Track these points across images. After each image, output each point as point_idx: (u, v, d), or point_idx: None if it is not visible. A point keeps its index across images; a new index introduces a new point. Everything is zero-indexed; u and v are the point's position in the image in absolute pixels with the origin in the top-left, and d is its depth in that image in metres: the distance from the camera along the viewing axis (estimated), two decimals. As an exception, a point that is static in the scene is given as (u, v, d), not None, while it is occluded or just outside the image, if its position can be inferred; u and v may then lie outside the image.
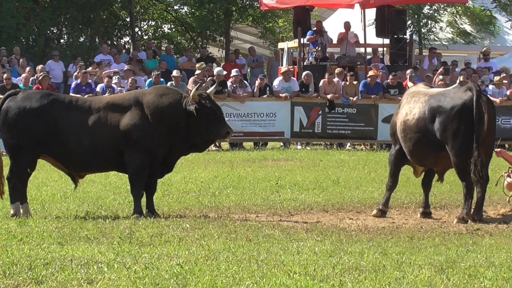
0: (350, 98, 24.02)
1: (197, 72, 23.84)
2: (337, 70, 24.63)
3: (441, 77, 24.11)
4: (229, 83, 23.94)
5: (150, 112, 11.53)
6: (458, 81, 14.22)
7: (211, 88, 12.54)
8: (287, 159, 20.69)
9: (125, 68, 24.85)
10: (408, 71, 23.91)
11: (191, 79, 23.50)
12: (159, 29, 37.05)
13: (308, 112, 23.99)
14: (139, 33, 35.92)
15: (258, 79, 24.60)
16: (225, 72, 24.38)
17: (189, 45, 34.97)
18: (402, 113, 12.00)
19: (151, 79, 23.72)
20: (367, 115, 24.02)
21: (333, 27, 28.09)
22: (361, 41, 26.66)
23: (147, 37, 36.02)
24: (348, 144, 24.18)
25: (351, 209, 12.74)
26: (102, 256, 8.49)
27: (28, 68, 24.28)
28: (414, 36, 28.47)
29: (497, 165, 14.26)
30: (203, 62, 24.83)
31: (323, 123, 24.00)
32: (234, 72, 24.26)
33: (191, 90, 12.05)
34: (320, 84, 24.19)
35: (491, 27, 31.59)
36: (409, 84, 14.87)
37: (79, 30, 32.62)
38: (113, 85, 23.35)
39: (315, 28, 26.07)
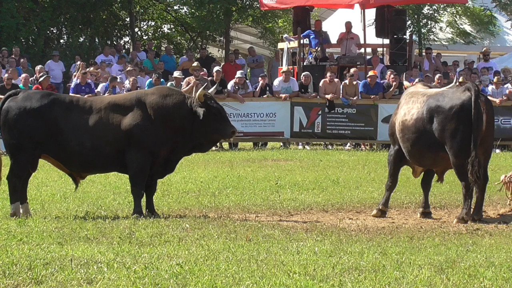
0: (350, 98, 24.02)
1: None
2: (352, 70, 24.59)
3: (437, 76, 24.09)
4: (231, 84, 23.93)
5: (154, 113, 11.52)
6: (455, 81, 14.17)
7: (212, 88, 12.56)
8: (287, 159, 20.68)
9: (128, 68, 24.89)
10: (417, 80, 23.23)
11: (185, 80, 23.50)
12: (159, 29, 37.03)
13: (307, 112, 23.99)
14: (139, 33, 35.91)
15: (260, 78, 24.62)
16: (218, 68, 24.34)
17: (188, 45, 34.96)
18: (401, 114, 11.99)
19: (150, 79, 23.73)
20: (367, 115, 24.01)
21: (333, 27, 28.09)
22: (361, 41, 26.65)
23: (147, 37, 36.01)
24: (348, 144, 24.19)
25: (351, 209, 12.74)
26: (101, 256, 8.48)
27: (27, 68, 24.32)
28: (414, 36, 28.44)
29: (497, 165, 14.27)
30: (197, 62, 24.86)
31: (323, 123, 24.01)
32: (239, 74, 24.26)
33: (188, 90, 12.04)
34: (320, 84, 24.19)
35: (491, 27, 31.56)
36: (406, 83, 14.86)
37: (79, 30, 32.60)
38: (116, 85, 23.35)
39: (313, 28, 26.09)
